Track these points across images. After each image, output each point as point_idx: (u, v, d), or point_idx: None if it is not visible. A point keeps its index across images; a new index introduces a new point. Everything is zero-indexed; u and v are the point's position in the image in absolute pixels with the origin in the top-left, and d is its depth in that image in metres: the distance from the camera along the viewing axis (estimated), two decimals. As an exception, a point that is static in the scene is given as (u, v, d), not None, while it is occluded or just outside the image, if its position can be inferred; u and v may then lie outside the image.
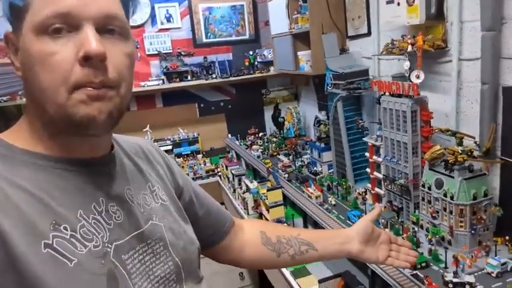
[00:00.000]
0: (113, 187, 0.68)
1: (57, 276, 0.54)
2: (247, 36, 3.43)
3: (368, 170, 1.96)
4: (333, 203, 1.98)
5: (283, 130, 3.45)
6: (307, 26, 2.40)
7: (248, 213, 2.03)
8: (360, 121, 2.12)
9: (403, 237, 1.60)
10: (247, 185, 2.11)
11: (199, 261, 0.82)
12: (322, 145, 2.47)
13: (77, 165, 0.63)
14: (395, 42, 1.68)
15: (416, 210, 1.66)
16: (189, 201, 0.88)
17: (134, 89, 3.10)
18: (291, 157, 2.80)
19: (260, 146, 3.13)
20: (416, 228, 1.62)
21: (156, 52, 3.19)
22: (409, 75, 1.55)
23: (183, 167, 2.90)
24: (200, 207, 0.91)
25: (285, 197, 1.98)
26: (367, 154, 1.95)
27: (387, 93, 1.68)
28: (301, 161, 2.69)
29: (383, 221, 1.71)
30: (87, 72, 0.57)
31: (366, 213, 1.84)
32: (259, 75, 3.29)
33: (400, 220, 1.70)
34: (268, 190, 1.71)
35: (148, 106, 3.32)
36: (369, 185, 1.98)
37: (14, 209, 0.55)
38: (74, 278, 0.56)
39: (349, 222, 1.76)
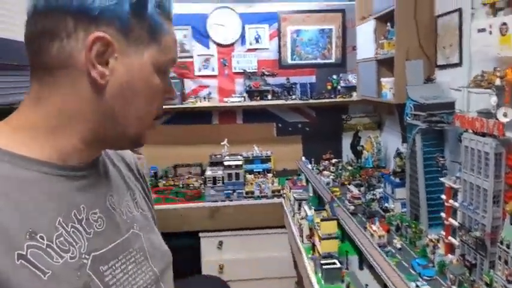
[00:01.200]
0: (95, 194, 0.65)
1: None
2: (333, 60, 3.36)
3: (443, 214, 1.74)
4: (399, 246, 1.79)
5: (360, 159, 3.28)
6: (393, 51, 2.26)
7: (302, 241, 1.94)
8: (441, 158, 1.90)
9: (473, 299, 1.37)
10: (305, 211, 2.03)
11: (172, 273, 0.82)
12: (397, 180, 2.27)
13: (62, 169, 0.60)
14: (484, 75, 1.48)
15: (491, 270, 1.41)
16: (151, 215, 0.89)
17: (218, 104, 3.29)
18: (362, 189, 2.64)
19: (332, 172, 3.00)
20: (490, 292, 1.38)
21: (242, 70, 3.30)
22: (496, 112, 1.34)
23: (251, 183, 2.91)
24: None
25: (344, 230, 1.86)
26: (443, 196, 1.73)
27: (470, 130, 1.48)
28: (373, 194, 2.51)
29: (452, 276, 1.49)
30: (162, 108, 0.67)
31: (433, 264, 1.63)
32: (341, 100, 3.19)
33: (471, 278, 1.46)
34: (322, 220, 1.62)
35: (229, 121, 3.44)
36: (443, 232, 1.75)
37: None
38: None
39: (411, 271, 1.57)
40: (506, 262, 1.30)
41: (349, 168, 3.17)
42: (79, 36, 0.57)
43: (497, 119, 1.32)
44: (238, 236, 2.70)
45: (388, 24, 2.32)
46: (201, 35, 3.31)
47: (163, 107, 0.68)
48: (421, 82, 2.03)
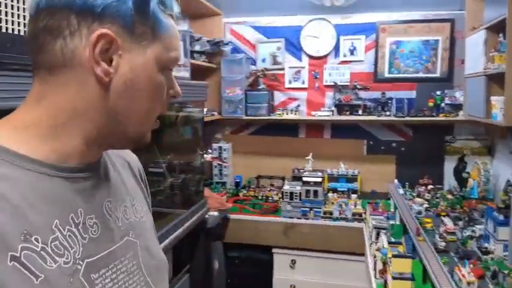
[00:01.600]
0: (94, 198, 0.63)
1: None
2: (437, 74, 3.02)
3: (556, 269, 1.39)
4: (492, 299, 1.49)
5: (465, 188, 2.85)
6: (504, 66, 1.92)
7: (375, 276, 1.75)
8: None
9: None
10: (383, 242, 1.82)
11: (168, 285, 0.79)
12: (501, 217, 1.90)
13: (62, 170, 0.59)
14: None
15: None
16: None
17: (306, 117, 3.22)
18: (461, 223, 2.29)
19: (427, 200, 2.67)
20: None
21: (332, 83, 3.17)
22: None
23: (332, 203, 2.76)
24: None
25: (425, 269, 1.62)
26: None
27: None
28: (472, 231, 2.14)
29: None
30: (166, 107, 0.67)
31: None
32: (444, 118, 2.83)
33: None
34: (394, 256, 1.42)
35: (315, 135, 3.33)
36: (555, 291, 1.40)
37: None
38: None
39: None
40: None
41: (449, 197, 2.78)
42: (82, 33, 0.56)
43: None
44: (313, 258, 2.56)
45: (500, 35, 1.98)
46: (294, 47, 3.28)
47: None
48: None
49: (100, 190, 0.65)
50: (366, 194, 3.06)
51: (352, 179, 3.04)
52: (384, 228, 1.96)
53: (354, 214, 2.52)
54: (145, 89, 0.61)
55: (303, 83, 3.28)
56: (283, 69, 3.30)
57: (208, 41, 2.97)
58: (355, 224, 2.50)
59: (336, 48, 3.19)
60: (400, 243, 1.58)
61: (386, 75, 3.11)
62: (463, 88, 2.72)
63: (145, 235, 0.73)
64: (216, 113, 3.17)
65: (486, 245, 1.97)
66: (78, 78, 0.57)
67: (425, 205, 2.55)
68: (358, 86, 3.06)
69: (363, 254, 2.44)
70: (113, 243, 0.64)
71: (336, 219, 2.54)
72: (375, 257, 1.80)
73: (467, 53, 2.57)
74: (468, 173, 2.92)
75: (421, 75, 3.05)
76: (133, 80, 0.59)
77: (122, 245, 0.66)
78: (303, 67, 3.27)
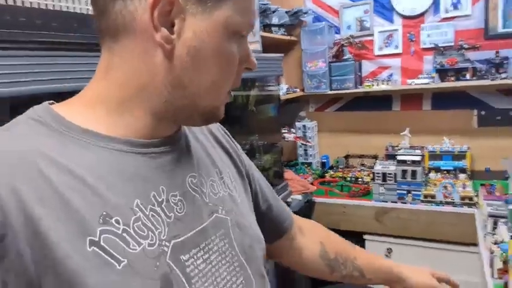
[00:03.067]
0: (175, 174, 0.59)
1: (101, 280, 0.46)
2: None
3: None
4: None
5: None
6: None
7: (493, 276, 1.41)
8: None
9: None
10: (502, 234, 1.47)
11: (263, 261, 0.72)
12: None
13: (139, 146, 0.55)
14: None
15: None
16: (254, 193, 0.81)
17: (399, 87, 2.83)
18: None
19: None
20: None
21: (432, 45, 2.72)
22: None
23: (435, 184, 2.37)
24: (263, 201, 0.84)
25: None
26: None
27: None
28: None
29: None
30: (240, 79, 0.60)
31: None
32: None
33: None
34: (519, 256, 1.10)
35: (413, 107, 2.91)
36: None
37: (59, 200, 0.47)
38: (122, 283, 0.47)
39: None
40: None
41: None
42: None
43: None
44: (412, 246, 2.24)
45: None
46: (384, 8, 2.88)
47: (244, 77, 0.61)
48: None
49: (182, 165, 0.61)
50: (477, 173, 2.58)
51: (459, 156, 2.59)
52: (502, 217, 1.58)
53: (462, 198, 2.13)
54: (213, 58, 0.54)
55: (396, 47, 2.87)
56: (372, 34, 2.93)
57: (286, 12, 2.76)
58: (465, 210, 2.11)
59: (436, 3, 2.71)
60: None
61: (500, 30, 2.54)
62: None
63: (236, 210, 0.68)
64: (298, 90, 2.97)
65: None
66: (141, 45, 0.53)
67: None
68: (465, 46, 2.56)
69: (474, 244, 2.06)
70: (201, 221, 0.60)
71: (440, 203, 2.17)
72: (492, 252, 1.46)
73: None
74: None
75: (551, 24, 2.43)
76: (199, 47, 0.53)
77: (211, 222, 0.61)
78: (396, 30, 2.85)
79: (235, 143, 0.82)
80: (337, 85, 2.91)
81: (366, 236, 2.35)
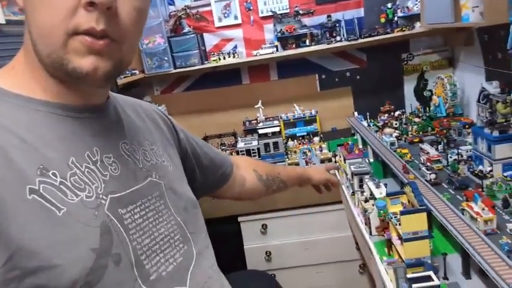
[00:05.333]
0: (108, 138, 0.65)
1: (43, 226, 0.51)
2: (385, -16, 2.63)
3: None
4: (517, 233, 1.22)
5: (429, 107, 2.61)
6: (480, -50, 1.56)
7: (371, 233, 1.42)
8: None
9: None
10: (371, 191, 1.49)
11: (204, 225, 0.81)
12: (496, 133, 1.63)
13: (72, 111, 0.61)
14: None
15: None
16: (195, 155, 0.95)
17: (246, 59, 2.71)
18: (440, 147, 2.02)
19: (395, 128, 2.39)
20: None
21: (271, 13, 2.68)
22: None
23: (295, 151, 2.39)
24: (205, 158, 0.99)
25: (429, 214, 1.29)
26: None
27: None
28: (458, 154, 1.89)
29: None
30: (90, 18, 0.54)
31: None
32: (400, 34, 2.49)
33: None
34: (402, 213, 1.08)
35: (261, 78, 2.88)
36: None
37: (2, 155, 0.52)
38: (63, 228, 0.52)
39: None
40: None
41: (416, 120, 2.53)
42: None
43: None
44: (286, 217, 2.22)
45: None
46: (217, -25, 2.70)
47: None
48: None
49: (114, 131, 0.68)
50: (326, 134, 2.72)
51: (310, 120, 2.67)
52: (366, 174, 1.62)
53: (322, 161, 2.18)
54: None
55: (236, 18, 2.75)
56: (209, 4, 2.73)
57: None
58: (326, 171, 2.16)
59: (267, -31, 2.66)
60: (403, 193, 1.24)
61: (329, -6, 2.67)
62: (418, -5, 2.37)
63: (169, 176, 0.75)
64: (138, 72, 2.58)
65: (480, 167, 1.72)
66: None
67: (395, 134, 2.27)
68: (301, 12, 2.60)
69: (339, 202, 2.14)
70: (136, 182, 0.66)
71: (304, 169, 2.18)
72: (365, 210, 1.47)
73: (421, -50, 2.18)
74: (430, 90, 2.68)
75: (367, -12, 2.65)
76: None
77: (146, 184, 0.68)
78: (232, -1, 2.72)
79: (170, 117, 0.91)
80: (181, 62, 2.64)
81: (240, 218, 2.21)
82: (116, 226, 0.58)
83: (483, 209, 1.29)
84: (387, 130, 2.35)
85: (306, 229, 2.24)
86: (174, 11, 2.70)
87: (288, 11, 2.67)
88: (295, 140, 2.60)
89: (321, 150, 2.31)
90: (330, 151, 2.30)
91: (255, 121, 2.64)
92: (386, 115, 2.66)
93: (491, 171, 1.66)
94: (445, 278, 1.12)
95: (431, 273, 1.05)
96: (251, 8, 2.73)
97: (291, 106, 2.76)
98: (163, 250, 0.65)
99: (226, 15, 2.77)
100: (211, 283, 0.73)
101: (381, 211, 1.30)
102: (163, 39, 2.60)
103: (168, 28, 2.66)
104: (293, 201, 2.20)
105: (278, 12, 2.64)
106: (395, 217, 1.17)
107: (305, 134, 2.62)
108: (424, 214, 1.08)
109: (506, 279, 0.91)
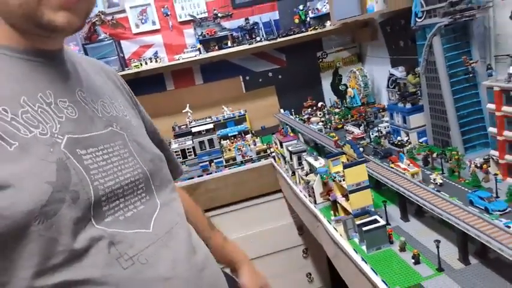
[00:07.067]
0: (63, 84, 0.64)
1: None
2: (295, -12, 2.83)
3: (492, 129, 1.32)
4: (440, 181, 1.37)
5: (345, 100, 2.84)
6: None
7: (315, 202, 1.48)
8: (470, 61, 1.47)
9: None
10: (310, 164, 1.56)
11: (171, 180, 0.80)
12: (409, 106, 1.84)
13: (23, 53, 0.60)
14: None
15: None
16: (148, 132, 0.86)
17: (169, 63, 2.68)
18: (361, 128, 2.20)
19: (320, 118, 2.55)
20: None
21: (190, 18, 2.71)
22: None
23: (229, 149, 2.40)
24: (154, 139, 0.87)
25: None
26: (490, 106, 1.30)
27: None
28: (378, 130, 2.08)
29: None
30: None
31: (496, 194, 1.22)
32: (313, 32, 2.68)
33: None
34: (345, 167, 1.15)
35: (186, 83, 2.86)
36: (494, 152, 1.34)
37: None
38: (15, 162, 0.52)
39: (474, 208, 1.14)
40: None
41: (336, 111, 2.73)
42: None
43: None
44: (230, 213, 2.21)
45: None
46: (131, -18, 2.66)
47: None
48: (428, -32, 1.55)
49: (69, 79, 0.66)
50: (257, 132, 2.79)
51: (240, 119, 2.72)
52: (303, 151, 1.70)
53: (258, 152, 2.22)
54: None
55: (154, 23, 2.72)
56: (124, 11, 2.66)
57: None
58: (263, 162, 2.21)
59: (182, -24, 2.70)
60: (343, 153, 1.32)
61: (244, -2, 2.79)
62: (325, -4, 2.60)
63: (132, 130, 0.74)
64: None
65: (398, 138, 1.90)
66: None
67: (321, 123, 2.42)
68: (220, 15, 2.67)
69: (278, 191, 2.19)
70: (96, 129, 0.65)
71: (241, 163, 2.20)
72: (308, 183, 1.53)
73: (324, -46, 2.41)
74: (345, 85, 2.92)
75: (279, -8, 2.82)
76: None
77: (107, 133, 0.67)
78: (148, 4, 2.69)
79: (128, 88, 0.88)
80: (100, 70, 2.51)
81: (181, 221, 2.14)
82: (73, 164, 0.57)
83: (409, 165, 1.44)
84: (314, 119, 2.50)
85: (248, 222, 2.25)
86: (88, 18, 2.58)
87: (206, 14, 2.72)
88: (228, 140, 2.61)
89: (255, 144, 2.36)
90: (263, 143, 2.36)
91: (185, 126, 2.61)
92: (309, 109, 2.83)
93: (408, 139, 1.85)
94: (387, 224, 1.21)
95: (376, 217, 1.13)
96: (169, 13, 2.72)
97: (219, 108, 2.78)
98: (125, 195, 0.64)
99: (143, 21, 2.72)
100: (178, 228, 0.71)
101: (324, 175, 1.36)
102: (78, 47, 2.46)
103: (82, 36, 2.53)
104: (232, 197, 2.20)
105: (197, 17, 2.68)
106: (338, 175, 1.24)
107: (236, 133, 2.65)
108: (364, 165, 1.17)
109: (439, 208, 1.02)
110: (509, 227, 0.91)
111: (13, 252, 0.52)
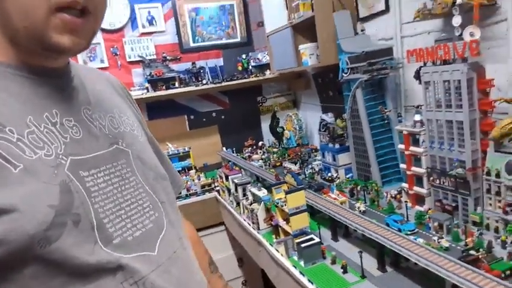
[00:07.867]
0: (69, 102, 0.64)
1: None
2: (238, 39, 3.13)
3: (403, 166, 1.62)
4: (363, 209, 1.61)
5: (282, 141, 3.11)
6: (309, 12, 2.11)
7: (259, 228, 1.64)
8: (385, 110, 1.79)
9: (466, 242, 1.24)
10: (254, 194, 1.73)
11: (175, 200, 0.79)
12: (337, 146, 2.12)
13: (31, 72, 0.60)
14: (432, 3, 1.37)
15: (478, 207, 1.31)
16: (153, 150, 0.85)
17: (115, 101, 2.76)
18: (297, 165, 2.45)
19: (261, 155, 2.76)
20: (481, 230, 1.27)
21: (139, 58, 2.85)
22: (461, 34, 1.23)
23: (173, 184, 2.49)
24: (158, 156, 0.84)
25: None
26: (401, 146, 1.61)
27: (429, 63, 1.36)
28: (312, 168, 2.33)
29: (436, 225, 1.35)
30: None
31: (407, 218, 1.49)
32: (255, 79, 2.96)
33: (455, 222, 1.35)
34: (287, 193, 1.34)
35: (131, 120, 2.93)
36: (404, 185, 1.63)
37: None
38: (20, 185, 0.51)
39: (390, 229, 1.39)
40: (498, 193, 1.20)
41: (275, 150, 2.97)
42: None
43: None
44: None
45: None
46: (82, 21, 2.75)
47: None
48: (352, 33, 1.91)
49: (75, 97, 0.66)
50: (200, 169, 2.92)
51: (183, 156, 2.84)
52: (248, 183, 1.87)
53: (203, 186, 2.34)
54: None
55: (102, 61, 2.81)
56: (74, 47, 2.73)
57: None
58: (207, 196, 2.33)
59: (133, 18, 2.86)
60: (284, 183, 1.51)
61: (192, 44, 3.02)
62: (265, 49, 2.91)
63: (138, 146, 0.73)
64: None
65: (329, 174, 2.17)
66: None
67: (261, 160, 2.64)
68: (169, 58, 2.85)
69: (221, 224, 2.31)
70: (100, 148, 0.65)
71: (186, 196, 2.30)
72: (252, 211, 1.69)
73: (266, 13, 2.74)
74: (282, 127, 3.19)
75: (224, 41, 3.10)
76: None
77: (111, 151, 0.66)
78: (98, 43, 2.79)
79: (133, 99, 0.87)
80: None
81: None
82: (76, 187, 0.57)
83: (338, 195, 1.68)
84: (255, 156, 2.71)
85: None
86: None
87: (155, 57, 2.88)
88: (171, 175, 2.70)
89: (199, 179, 2.48)
90: (207, 178, 2.49)
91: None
92: (250, 148, 3.04)
93: (337, 175, 2.12)
94: (321, 243, 1.40)
95: (312, 235, 1.32)
96: (118, 53, 2.84)
97: (163, 145, 2.88)
98: (130, 216, 0.64)
99: (91, 58, 2.80)
100: (180, 253, 0.72)
101: (267, 203, 1.54)
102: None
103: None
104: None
105: (147, 58, 2.83)
106: (281, 201, 1.43)
107: (180, 169, 2.75)
108: (303, 192, 1.37)
109: (362, 227, 1.24)
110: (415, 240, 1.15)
111: (16, 276, 0.51)
